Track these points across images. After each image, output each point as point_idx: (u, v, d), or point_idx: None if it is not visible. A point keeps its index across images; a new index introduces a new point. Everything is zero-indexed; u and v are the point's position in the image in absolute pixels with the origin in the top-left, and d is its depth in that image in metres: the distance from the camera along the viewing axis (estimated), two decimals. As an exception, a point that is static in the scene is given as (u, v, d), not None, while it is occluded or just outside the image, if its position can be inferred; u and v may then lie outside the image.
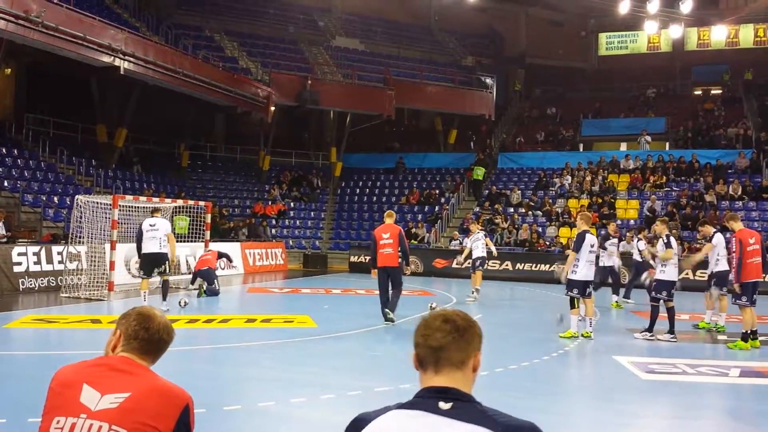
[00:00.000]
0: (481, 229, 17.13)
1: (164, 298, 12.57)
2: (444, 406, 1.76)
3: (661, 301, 10.55)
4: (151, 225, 12.46)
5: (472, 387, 1.88)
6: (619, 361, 8.97)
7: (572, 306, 10.70)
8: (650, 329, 10.60)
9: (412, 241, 24.90)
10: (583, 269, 10.54)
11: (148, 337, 2.37)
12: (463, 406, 1.77)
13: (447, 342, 1.85)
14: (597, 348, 10.08)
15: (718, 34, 36.02)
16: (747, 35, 36.43)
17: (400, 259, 11.74)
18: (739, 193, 24.08)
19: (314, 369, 8.19)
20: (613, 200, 25.14)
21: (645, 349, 10.10)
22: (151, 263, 12.41)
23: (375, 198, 29.44)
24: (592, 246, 10.58)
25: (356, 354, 9.40)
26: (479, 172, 28.14)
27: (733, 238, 10.19)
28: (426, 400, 1.80)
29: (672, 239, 10.73)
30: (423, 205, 27.82)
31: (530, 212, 25.41)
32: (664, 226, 11.04)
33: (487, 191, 27.72)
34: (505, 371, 8.22)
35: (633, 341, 10.65)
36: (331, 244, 27.12)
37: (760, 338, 10.36)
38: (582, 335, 10.61)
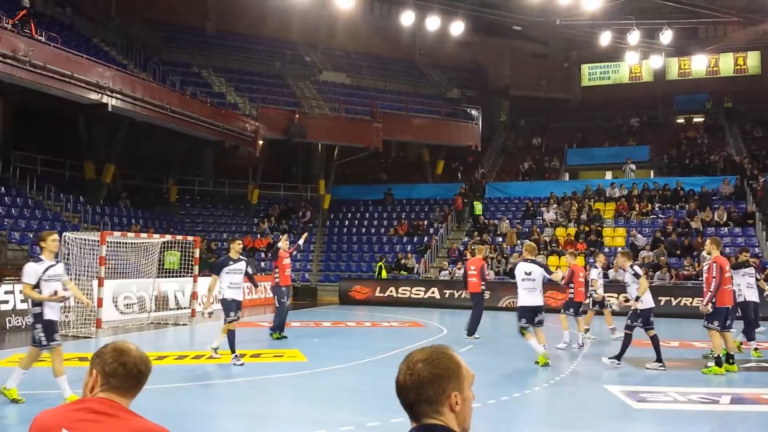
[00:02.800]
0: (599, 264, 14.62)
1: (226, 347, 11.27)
2: None
3: (635, 328, 10.56)
4: (239, 269, 11.07)
5: (460, 425, 1.91)
6: (611, 390, 8.97)
7: (522, 335, 11.02)
8: (619, 357, 10.58)
9: (402, 272, 24.96)
10: (523, 297, 11.05)
11: (125, 373, 2.30)
12: None
13: (413, 399, 1.92)
14: (589, 377, 10.09)
15: (699, 64, 36.76)
16: (727, 64, 37.19)
17: (482, 287, 14.33)
18: (725, 219, 24.33)
19: (305, 404, 8.14)
20: (600, 228, 25.31)
21: (636, 378, 10.12)
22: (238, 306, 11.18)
23: (364, 229, 29.49)
24: (527, 273, 11.03)
25: (347, 388, 9.35)
26: (478, 207, 28.32)
27: (713, 264, 10.27)
28: None
29: (637, 268, 10.80)
30: (412, 236, 27.89)
31: (519, 241, 25.49)
32: (625, 258, 11.02)
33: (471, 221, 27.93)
34: (497, 403, 8.20)
35: (624, 370, 10.66)
36: (321, 277, 27.06)
37: (762, 364, 10.45)
38: (536, 362, 10.65)
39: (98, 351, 2.38)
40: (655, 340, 10.54)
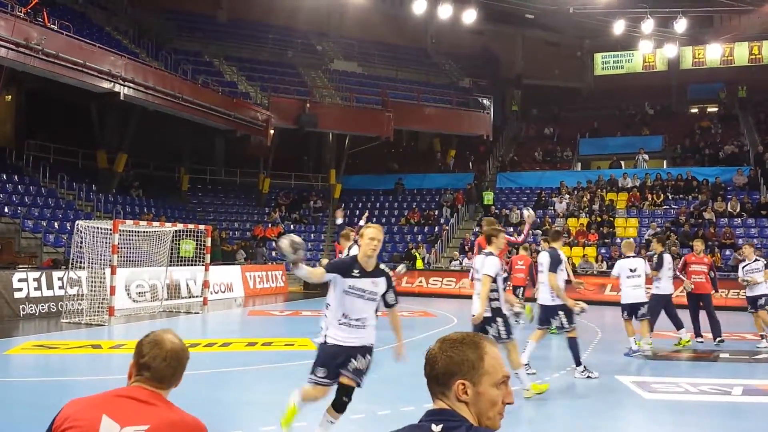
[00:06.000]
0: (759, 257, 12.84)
1: None
2: (435, 428, 1.83)
3: None
4: None
5: (473, 416, 1.89)
6: (622, 381, 8.95)
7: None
8: None
9: (407, 262, 24.90)
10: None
11: (157, 365, 2.40)
12: (452, 427, 1.83)
13: (426, 374, 1.97)
14: (599, 368, 10.04)
15: (713, 53, 36.34)
16: (741, 53, 36.74)
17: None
18: (738, 210, 24.14)
19: (316, 392, 8.14)
20: (612, 219, 25.19)
21: (647, 369, 10.09)
22: None
23: (375, 219, 29.41)
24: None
25: (358, 377, 9.36)
26: (489, 197, 28.25)
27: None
28: (423, 423, 1.88)
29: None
30: (423, 226, 27.86)
31: (531, 232, 25.39)
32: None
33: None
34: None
35: (635, 361, 10.63)
36: (332, 267, 27.04)
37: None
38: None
39: (139, 341, 2.47)
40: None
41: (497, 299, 7.60)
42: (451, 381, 1.89)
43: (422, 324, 15.37)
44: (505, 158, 32.85)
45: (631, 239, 16.21)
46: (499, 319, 7.58)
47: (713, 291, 12.10)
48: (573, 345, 9.00)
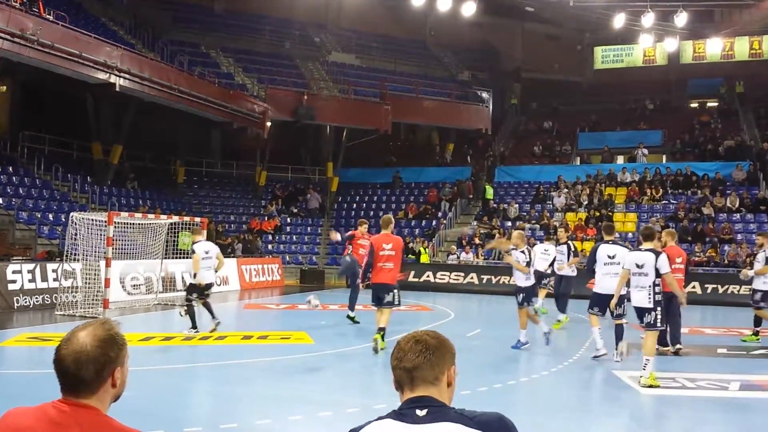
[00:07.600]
0: None
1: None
2: (420, 413, 1.90)
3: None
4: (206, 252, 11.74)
5: (449, 400, 2.00)
6: (618, 375, 8.89)
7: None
8: (194, 326, 11.64)
9: (410, 256, 24.83)
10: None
11: (63, 369, 1.99)
12: (438, 410, 1.91)
13: (419, 362, 1.97)
14: (596, 363, 9.99)
15: (714, 47, 36.24)
16: (742, 48, 36.65)
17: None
18: (737, 205, 24.08)
19: (311, 386, 8.10)
20: (610, 213, 25.12)
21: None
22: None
23: (372, 212, 29.32)
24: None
25: (354, 371, 9.31)
26: (490, 192, 28.16)
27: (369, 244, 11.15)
28: (404, 410, 1.94)
29: None
30: (420, 219, 27.76)
31: (527, 225, 25.34)
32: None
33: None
34: (504, 387, 8.14)
35: (632, 355, 10.55)
36: (328, 260, 27.02)
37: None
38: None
39: None
40: (207, 305, 11.59)
41: (659, 292, 8.49)
42: (445, 367, 1.99)
43: (419, 318, 15.32)
44: (496, 152, 32.71)
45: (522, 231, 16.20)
46: (659, 309, 8.49)
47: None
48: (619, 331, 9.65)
